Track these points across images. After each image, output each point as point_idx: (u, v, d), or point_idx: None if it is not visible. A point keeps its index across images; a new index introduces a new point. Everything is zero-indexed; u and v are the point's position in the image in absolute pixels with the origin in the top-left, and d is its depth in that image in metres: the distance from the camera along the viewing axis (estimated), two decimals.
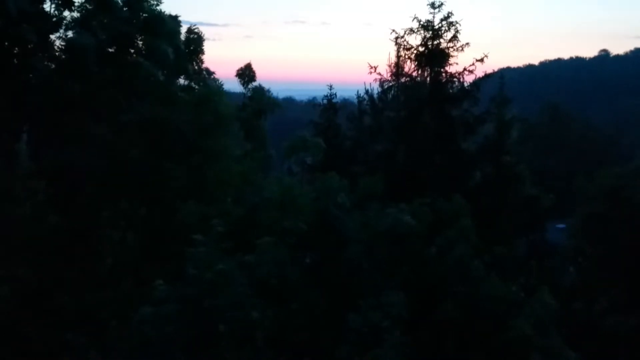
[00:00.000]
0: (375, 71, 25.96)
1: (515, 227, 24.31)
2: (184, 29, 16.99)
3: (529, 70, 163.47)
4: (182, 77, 16.95)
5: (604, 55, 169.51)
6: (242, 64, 27.15)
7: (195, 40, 17.40)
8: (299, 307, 13.19)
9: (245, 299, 9.76)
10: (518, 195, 24.85)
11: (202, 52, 17.59)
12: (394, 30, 25.28)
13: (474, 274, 13.92)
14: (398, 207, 15.10)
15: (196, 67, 17.50)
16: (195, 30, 17.43)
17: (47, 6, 15.55)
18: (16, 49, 14.83)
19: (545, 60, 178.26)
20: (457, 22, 24.75)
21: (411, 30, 25.11)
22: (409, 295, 12.58)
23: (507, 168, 25.05)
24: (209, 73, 18.18)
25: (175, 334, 8.90)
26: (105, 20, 15.47)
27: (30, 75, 14.66)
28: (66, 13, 15.75)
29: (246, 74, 26.04)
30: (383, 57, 27.37)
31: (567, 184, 46.95)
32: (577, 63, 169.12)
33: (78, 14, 15.49)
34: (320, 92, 28.88)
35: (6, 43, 14.74)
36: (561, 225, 39.37)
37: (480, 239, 15.60)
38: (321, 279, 14.05)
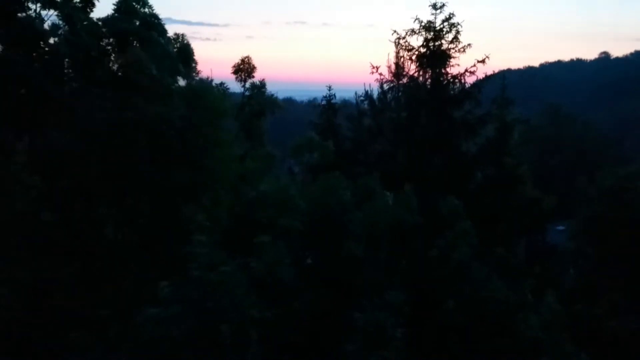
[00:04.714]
0: (377, 71, 25.99)
1: (516, 228, 24.27)
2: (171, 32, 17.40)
3: (529, 72, 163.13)
4: (176, 77, 17.02)
5: (605, 57, 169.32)
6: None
7: (185, 47, 17.48)
8: (300, 306, 13.19)
9: (246, 300, 9.72)
10: (519, 197, 24.81)
11: (192, 57, 17.61)
12: (395, 32, 25.33)
13: (476, 276, 13.92)
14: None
15: (191, 68, 17.51)
16: (184, 40, 17.51)
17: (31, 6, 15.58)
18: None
19: (546, 62, 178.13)
20: (458, 24, 24.78)
21: (412, 32, 25.13)
22: (411, 294, 12.57)
23: (508, 169, 25.02)
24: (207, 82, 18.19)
25: (179, 335, 8.87)
26: (88, 23, 15.52)
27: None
28: (51, 12, 15.82)
29: (243, 69, 24.91)
30: (384, 59, 27.25)
31: (568, 185, 46.94)
32: (577, 65, 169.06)
33: (61, 15, 15.49)
34: (321, 92, 28.84)
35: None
36: (560, 227, 39.31)
37: (481, 240, 15.59)
38: (323, 277, 14.07)
